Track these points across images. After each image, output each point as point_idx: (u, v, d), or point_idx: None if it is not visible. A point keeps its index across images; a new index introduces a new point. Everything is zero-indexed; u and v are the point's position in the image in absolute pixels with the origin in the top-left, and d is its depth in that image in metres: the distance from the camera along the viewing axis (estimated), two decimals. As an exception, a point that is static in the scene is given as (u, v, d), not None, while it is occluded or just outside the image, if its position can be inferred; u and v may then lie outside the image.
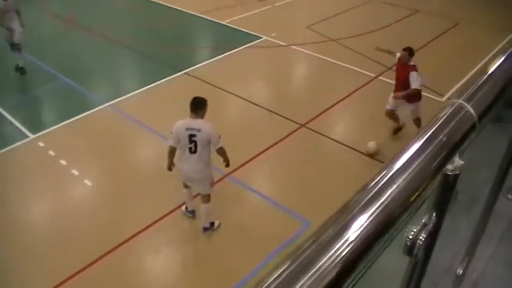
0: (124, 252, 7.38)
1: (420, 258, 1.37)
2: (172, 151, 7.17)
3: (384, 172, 1.10)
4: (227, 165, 7.32)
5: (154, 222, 7.87)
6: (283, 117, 10.46)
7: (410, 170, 1.09)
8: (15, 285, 6.88)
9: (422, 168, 1.10)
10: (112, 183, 8.87)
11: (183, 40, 15.00)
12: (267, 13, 16.78)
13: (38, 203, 8.61)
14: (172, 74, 12.43)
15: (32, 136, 10.10)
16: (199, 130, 6.77)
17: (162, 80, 12.15)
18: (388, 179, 1.07)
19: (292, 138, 9.85)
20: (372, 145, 9.39)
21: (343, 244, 0.91)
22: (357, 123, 9.73)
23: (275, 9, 17.16)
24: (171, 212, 8.07)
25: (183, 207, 7.98)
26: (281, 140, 9.74)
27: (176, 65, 12.89)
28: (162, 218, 7.96)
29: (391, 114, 9.73)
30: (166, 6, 17.40)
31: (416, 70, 9.10)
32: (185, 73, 12.48)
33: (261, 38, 14.57)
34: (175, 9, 17.16)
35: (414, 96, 9.20)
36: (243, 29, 15.17)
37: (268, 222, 7.93)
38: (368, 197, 1.03)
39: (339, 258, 0.89)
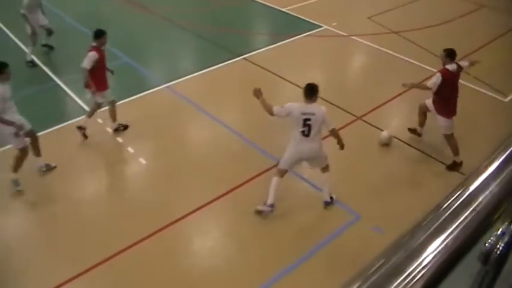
0: (173, 233, 7.51)
1: (493, 268, 1.31)
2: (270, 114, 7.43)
3: (461, 190, 1.00)
4: (341, 146, 7.60)
5: (205, 204, 7.95)
6: (340, 108, 10.33)
7: (491, 188, 0.99)
8: (65, 259, 7.12)
9: (504, 186, 1.01)
10: (166, 163, 9.02)
11: (242, 25, 14.99)
12: (328, 2, 16.54)
13: (93, 178, 8.87)
14: (230, 59, 12.49)
15: (91, 112, 10.36)
16: (313, 114, 7.23)
17: (220, 64, 12.23)
18: (466, 198, 0.98)
19: (348, 130, 9.71)
20: (384, 135, 9.35)
21: (415, 268, 0.84)
22: (415, 118, 9.47)
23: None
24: (222, 195, 8.14)
25: (259, 207, 7.72)
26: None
27: (235, 49, 12.92)
28: (212, 200, 8.04)
29: (424, 111, 9.15)
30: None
31: (439, 72, 8.41)
32: (244, 58, 12.49)
33: (321, 26, 14.38)
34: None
35: (441, 107, 8.60)
36: (303, 17, 15.00)
37: (318, 212, 7.90)
38: (443, 217, 0.95)
39: (410, 284, 0.83)
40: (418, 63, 12.23)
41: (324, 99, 10.58)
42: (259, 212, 7.71)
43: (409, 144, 9.38)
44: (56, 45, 12.94)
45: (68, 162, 9.00)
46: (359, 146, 9.36)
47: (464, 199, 0.97)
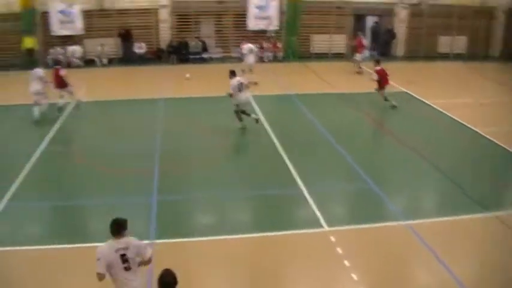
0: None
1: None
2: None
3: None
4: None
5: None
6: None
7: None
8: None
9: None
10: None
11: (499, 178, 13.85)
12: None
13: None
14: (478, 212, 11.51)
15: (326, 228, 10.60)
16: None
17: (468, 216, 11.35)
18: None
19: None
20: None
21: None
22: None
23: None
24: None
25: None
26: None
27: (486, 203, 11.89)
28: None
29: None
30: (487, 138, 16.59)
31: None
32: (495, 216, 11.34)
33: None
34: (496, 143, 16.14)
35: None
36: None
37: None
38: None
39: None
40: None
41: None
42: None
43: None
44: (305, 155, 13.78)
45: (287, 266, 9.36)
46: None
47: None
